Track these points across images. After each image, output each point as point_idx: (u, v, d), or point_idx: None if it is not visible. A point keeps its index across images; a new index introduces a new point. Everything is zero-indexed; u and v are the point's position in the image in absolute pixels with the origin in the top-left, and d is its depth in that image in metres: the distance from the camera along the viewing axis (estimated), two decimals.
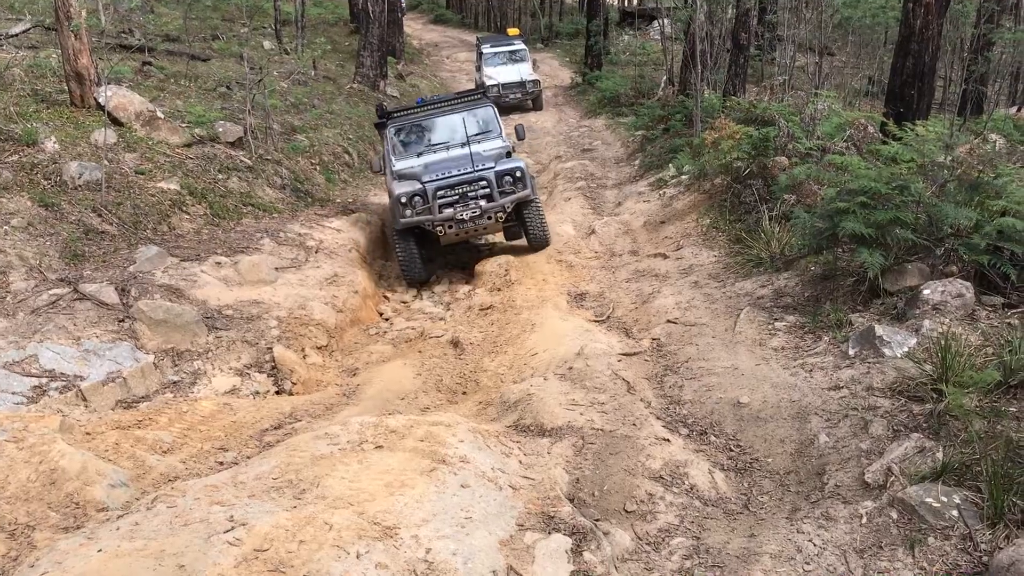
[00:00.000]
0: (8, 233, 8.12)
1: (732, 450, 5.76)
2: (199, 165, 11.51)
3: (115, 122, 11.22)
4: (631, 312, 8.83)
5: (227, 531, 4.00)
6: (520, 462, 5.40)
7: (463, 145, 11.03)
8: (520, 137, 11.76)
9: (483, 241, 12.51)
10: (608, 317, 8.78)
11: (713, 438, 5.91)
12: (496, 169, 10.51)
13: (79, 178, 9.43)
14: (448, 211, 10.32)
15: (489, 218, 10.48)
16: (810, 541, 4.57)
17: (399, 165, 11.18)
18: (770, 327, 7.32)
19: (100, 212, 9.18)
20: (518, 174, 10.53)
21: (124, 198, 9.66)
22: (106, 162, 9.99)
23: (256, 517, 4.14)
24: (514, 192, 10.50)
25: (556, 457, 5.52)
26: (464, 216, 10.34)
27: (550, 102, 24.80)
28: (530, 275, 10.27)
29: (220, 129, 12.59)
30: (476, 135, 11.35)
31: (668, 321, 8.15)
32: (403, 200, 10.35)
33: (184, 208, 10.31)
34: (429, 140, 11.50)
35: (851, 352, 6.33)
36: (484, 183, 10.43)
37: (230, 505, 4.31)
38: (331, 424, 5.39)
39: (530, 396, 6.51)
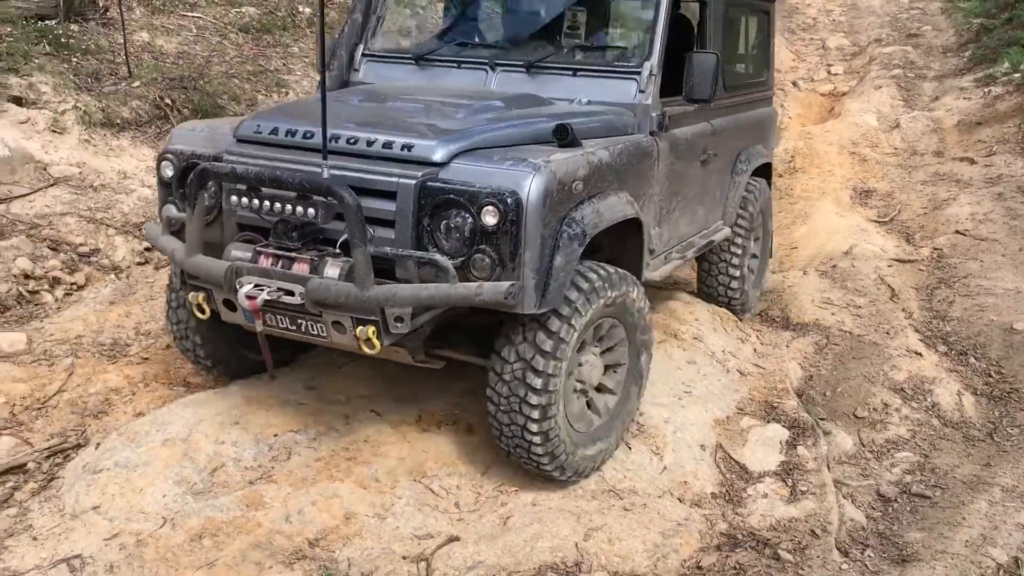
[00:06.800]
0: None
1: (991, 376, 5.38)
2: None
3: None
4: (917, 217, 8.26)
5: None
6: (755, 350, 5.42)
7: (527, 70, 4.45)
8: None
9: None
10: (891, 219, 8.28)
11: (972, 360, 5.54)
12: (436, 164, 3.44)
13: None
14: (238, 253, 3.56)
15: (339, 327, 3.43)
16: None
17: (367, 74, 4.84)
18: None
19: None
20: (500, 218, 3.28)
21: None
22: None
23: None
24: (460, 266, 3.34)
25: (794, 351, 5.47)
26: (242, 289, 3.39)
27: None
28: (817, 164, 9.79)
29: None
30: (584, 49, 4.72)
31: (956, 231, 7.55)
32: (167, 172, 3.94)
33: None
34: (490, 28, 4.99)
35: None
36: (335, 206, 3.37)
37: None
38: None
39: (784, 287, 6.42)
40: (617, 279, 3.78)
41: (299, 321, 3.51)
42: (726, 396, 4.79)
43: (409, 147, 3.46)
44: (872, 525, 4.04)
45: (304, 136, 3.61)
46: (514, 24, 4.93)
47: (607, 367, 3.99)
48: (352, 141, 3.55)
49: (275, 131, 3.70)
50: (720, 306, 5.68)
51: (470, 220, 3.30)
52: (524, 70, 4.44)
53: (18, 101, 6.72)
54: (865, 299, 6.23)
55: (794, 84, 13.50)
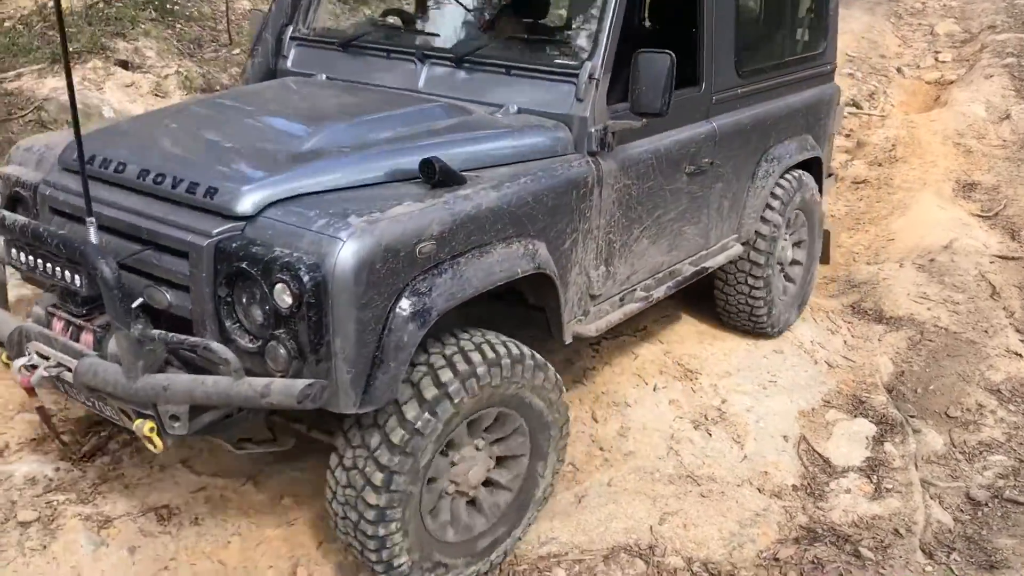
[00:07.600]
0: None
1: None
2: None
3: None
4: None
5: None
6: (845, 342, 5.27)
7: (457, 64, 3.56)
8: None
9: None
10: (996, 214, 7.94)
11: None
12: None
13: None
14: (39, 311, 2.96)
15: (126, 416, 2.71)
16: None
17: (296, 61, 4.03)
18: None
19: None
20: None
21: None
22: None
23: None
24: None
25: (886, 346, 5.30)
26: (16, 361, 2.78)
27: None
28: (919, 154, 9.46)
29: None
30: (523, 40, 3.70)
31: None
32: None
33: None
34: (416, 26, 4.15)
35: None
36: (90, 267, 2.51)
37: None
38: None
39: (878, 280, 6.22)
40: (510, 362, 2.88)
41: (91, 400, 2.81)
42: (812, 388, 4.67)
43: (213, 192, 2.62)
44: (960, 528, 3.90)
45: (116, 169, 2.82)
46: (448, 6, 4.09)
47: (497, 463, 3.16)
48: (158, 180, 2.72)
49: (92, 159, 2.85)
50: (742, 331, 4.87)
51: (264, 298, 2.49)
52: (454, 64, 3.56)
53: (124, 65, 6.95)
54: (963, 295, 6.00)
55: (899, 71, 13.03)
